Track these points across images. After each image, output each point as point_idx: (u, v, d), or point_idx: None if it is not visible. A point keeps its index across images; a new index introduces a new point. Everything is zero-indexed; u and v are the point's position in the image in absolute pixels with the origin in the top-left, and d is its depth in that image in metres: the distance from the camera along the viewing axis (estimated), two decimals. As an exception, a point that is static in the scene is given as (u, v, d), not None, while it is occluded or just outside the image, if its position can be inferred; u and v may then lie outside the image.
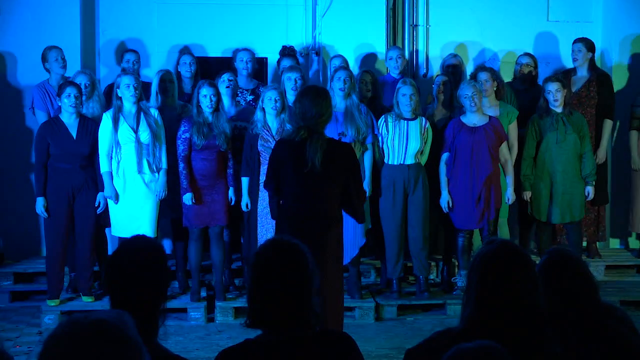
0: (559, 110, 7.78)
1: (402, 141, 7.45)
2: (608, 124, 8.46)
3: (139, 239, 3.01)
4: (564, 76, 8.31)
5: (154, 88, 7.63)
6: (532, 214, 8.00)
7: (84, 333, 1.90)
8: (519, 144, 7.88)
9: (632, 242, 9.11)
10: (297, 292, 2.81)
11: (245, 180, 7.35)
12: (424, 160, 7.61)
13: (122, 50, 8.65)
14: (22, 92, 8.63)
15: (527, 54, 8.51)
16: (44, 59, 7.98)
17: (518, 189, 7.81)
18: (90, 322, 1.92)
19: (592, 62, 8.47)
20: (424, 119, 7.55)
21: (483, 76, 7.80)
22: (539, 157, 7.85)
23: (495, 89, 7.85)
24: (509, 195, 7.63)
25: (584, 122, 7.90)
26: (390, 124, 7.50)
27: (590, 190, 7.86)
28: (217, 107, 7.32)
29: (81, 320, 1.94)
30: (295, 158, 5.33)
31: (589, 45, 8.44)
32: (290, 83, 7.64)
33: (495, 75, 7.92)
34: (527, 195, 7.88)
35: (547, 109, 7.80)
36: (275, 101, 7.26)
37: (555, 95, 7.74)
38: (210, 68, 8.44)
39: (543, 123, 7.80)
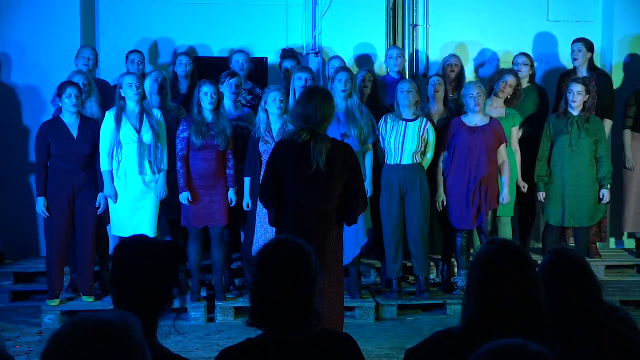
0: (575, 113, 7.76)
1: (399, 142, 7.45)
2: (608, 124, 8.47)
3: (148, 237, 3.02)
4: (565, 77, 8.33)
5: (146, 89, 7.57)
6: (542, 215, 7.99)
7: (87, 334, 1.90)
8: (524, 146, 7.88)
9: (627, 242, 9.09)
10: (300, 292, 2.81)
11: (247, 181, 7.36)
12: (427, 161, 7.58)
13: (122, 50, 8.63)
14: (21, 92, 8.63)
15: (524, 54, 8.50)
16: (76, 55, 8.02)
17: (531, 188, 7.81)
18: (95, 323, 1.92)
19: (591, 62, 8.48)
20: (425, 120, 7.54)
21: (509, 78, 7.79)
22: (552, 159, 7.84)
23: (509, 96, 7.84)
24: (504, 196, 7.62)
25: (600, 126, 7.89)
26: (389, 125, 7.50)
27: (605, 193, 7.83)
28: (218, 106, 7.31)
29: (86, 320, 1.94)
30: (298, 159, 5.30)
31: (589, 46, 8.44)
32: (301, 82, 7.61)
33: (519, 83, 7.91)
34: (542, 196, 7.85)
35: (565, 110, 7.78)
36: (281, 102, 7.27)
37: (575, 96, 7.70)
38: (210, 68, 8.44)
39: (558, 125, 7.79)
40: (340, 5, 9.03)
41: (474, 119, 7.55)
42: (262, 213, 7.11)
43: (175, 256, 2.88)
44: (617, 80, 9.00)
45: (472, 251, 7.70)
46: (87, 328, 1.91)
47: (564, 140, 7.76)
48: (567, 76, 8.44)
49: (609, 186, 7.86)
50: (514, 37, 9.11)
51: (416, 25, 9.10)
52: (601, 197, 7.85)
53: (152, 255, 2.85)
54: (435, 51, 9.11)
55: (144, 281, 2.82)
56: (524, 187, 7.83)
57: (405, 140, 7.44)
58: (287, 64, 8.34)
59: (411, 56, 9.06)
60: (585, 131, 7.73)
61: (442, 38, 9.13)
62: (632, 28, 9.06)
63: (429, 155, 7.59)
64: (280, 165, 5.37)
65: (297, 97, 7.36)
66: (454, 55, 8.50)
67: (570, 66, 8.68)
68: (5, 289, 7.95)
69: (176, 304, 2.96)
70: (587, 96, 7.77)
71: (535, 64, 8.60)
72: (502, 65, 8.90)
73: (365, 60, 9.07)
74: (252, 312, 2.85)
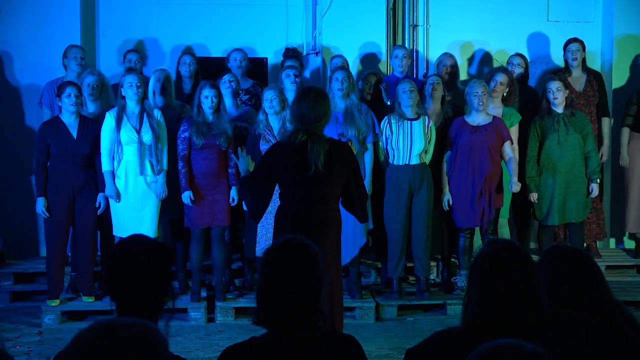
0: (559, 110, 7.78)
1: (407, 142, 7.45)
2: (607, 122, 8.51)
3: (142, 236, 3.01)
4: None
5: (150, 88, 7.59)
6: (534, 215, 7.98)
7: (111, 345, 1.89)
8: (519, 145, 7.88)
9: (627, 242, 9.10)
10: (306, 292, 2.81)
11: (246, 179, 7.35)
12: (428, 159, 7.60)
13: (122, 50, 8.64)
14: (21, 91, 8.63)
15: (518, 54, 8.50)
16: (65, 55, 8.01)
17: (524, 188, 7.80)
18: (119, 338, 1.90)
19: (584, 61, 8.51)
20: (427, 118, 7.55)
21: (499, 77, 7.79)
22: (542, 159, 7.84)
23: (505, 93, 7.83)
24: (513, 184, 7.55)
25: (586, 121, 7.90)
26: (394, 125, 7.49)
27: (594, 187, 7.84)
28: (218, 108, 7.32)
29: (110, 330, 1.91)
30: (296, 162, 5.27)
31: (584, 45, 8.49)
32: (290, 79, 7.70)
33: (511, 78, 7.89)
34: (534, 197, 7.83)
35: (549, 110, 7.78)
36: (271, 101, 7.29)
37: (555, 94, 7.73)
38: (210, 68, 8.44)
39: (544, 124, 7.79)
40: (340, 5, 9.04)
41: (476, 118, 7.55)
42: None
43: (162, 258, 2.87)
44: (618, 81, 9.00)
45: (473, 251, 7.70)
46: (111, 339, 1.89)
47: (552, 138, 7.76)
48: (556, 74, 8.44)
49: (597, 180, 7.87)
50: (513, 37, 9.12)
51: (416, 25, 9.11)
52: (590, 190, 7.84)
53: (140, 255, 2.85)
54: (436, 51, 9.09)
55: (133, 281, 2.82)
56: (519, 187, 7.80)
57: (414, 140, 7.45)
58: (289, 63, 8.34)
59: (411, 56, 9.05)
60: (572, 127, 7.75)
61: (442, 38, 9.14)
62: (631, 28, 9.07)
63: (430, 153, 7.61)
64: (275, 168, 5.32)
65: (285, 93, 7.44)
66: (448, 55, 8.47)
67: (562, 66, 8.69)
68: (5, 289, 7.95)
69: (171, 306, 2.94)
70: (567, 91, 7.79)
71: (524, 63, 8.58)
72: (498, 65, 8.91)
73: (365, 61, 9.08)
74: (258, 311, 2.85)
